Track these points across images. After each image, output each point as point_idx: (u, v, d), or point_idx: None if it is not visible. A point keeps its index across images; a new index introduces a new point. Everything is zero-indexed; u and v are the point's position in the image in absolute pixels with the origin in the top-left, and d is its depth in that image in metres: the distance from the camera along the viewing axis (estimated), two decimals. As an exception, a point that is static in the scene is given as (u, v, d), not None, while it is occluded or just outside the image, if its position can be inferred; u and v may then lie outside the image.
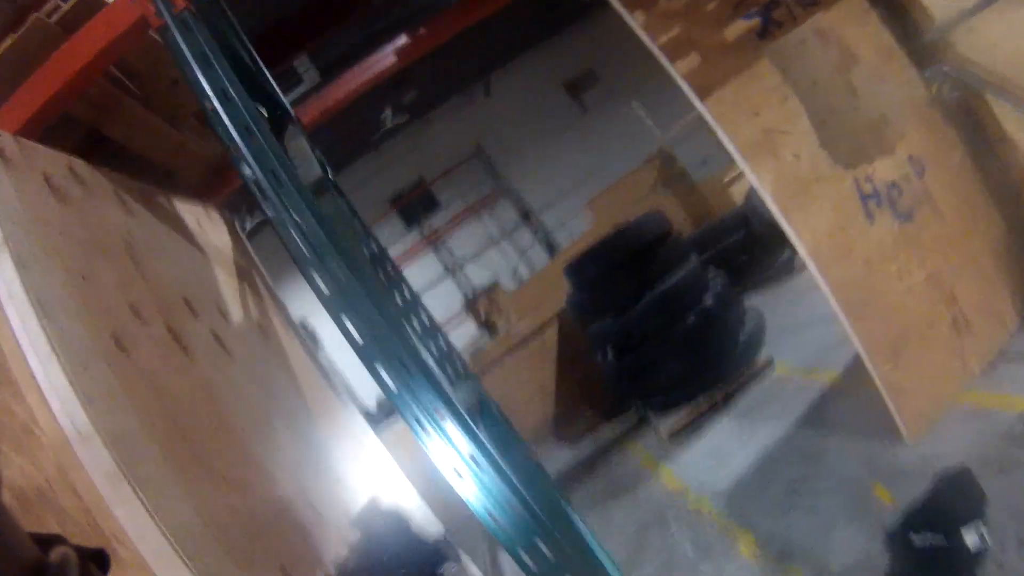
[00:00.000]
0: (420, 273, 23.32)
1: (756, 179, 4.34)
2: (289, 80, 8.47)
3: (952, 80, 4.73)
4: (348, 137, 18.87)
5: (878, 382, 4.16)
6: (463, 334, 22.68)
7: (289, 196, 2.44)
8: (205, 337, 3.16)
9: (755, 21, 4.53)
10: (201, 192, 4.62)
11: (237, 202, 5.88)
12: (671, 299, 6.99)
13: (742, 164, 4.40)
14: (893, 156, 4.47)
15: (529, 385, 9.86)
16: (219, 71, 2.59)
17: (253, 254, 4.93)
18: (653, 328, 6.98)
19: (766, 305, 7.79)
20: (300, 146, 3.00)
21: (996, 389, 4.20)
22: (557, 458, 8.77)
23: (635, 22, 4.42)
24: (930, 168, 4.55)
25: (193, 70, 2.59)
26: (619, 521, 6.08)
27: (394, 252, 23.30)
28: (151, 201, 3.67)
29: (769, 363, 6.78)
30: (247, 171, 2.49)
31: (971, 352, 4.38)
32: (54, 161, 2.88)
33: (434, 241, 23.37)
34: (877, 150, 4.45)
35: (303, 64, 8.81)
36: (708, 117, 4.42)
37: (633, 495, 6.36)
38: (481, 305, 22.34)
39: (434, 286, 23.40)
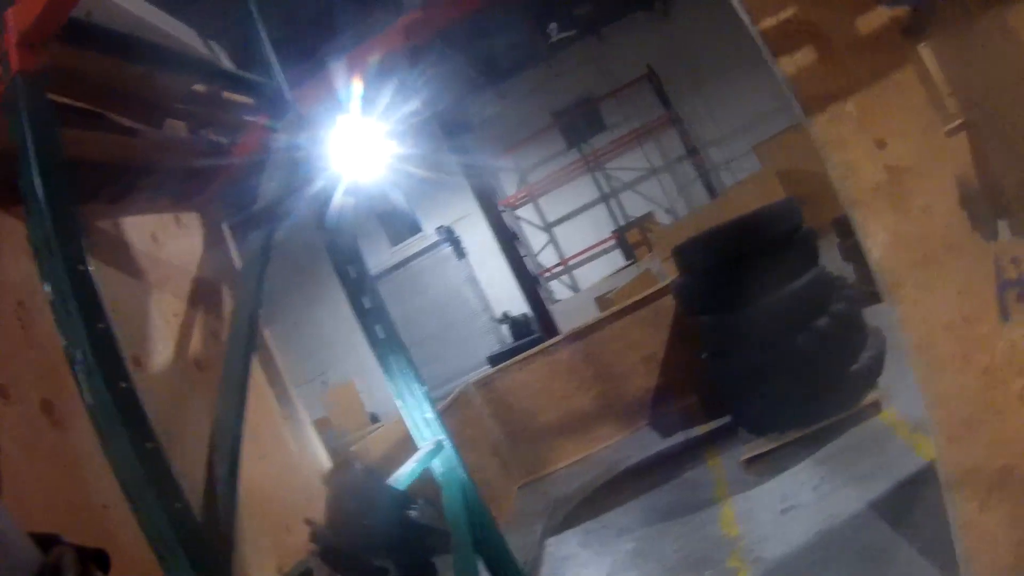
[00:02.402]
0: (575, 194, 22.92)
1: (863, 236, 3.31)
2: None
3: None
4: (515, 46, 18.37)
5: (953, 521, 3.22)
6: (608, 262, 22.23)
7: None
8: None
9: (902, 10, 3.32)
10: (181, 191, 4.17)
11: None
12: (787, 307, 6.01)
13: (849, 210, 3.37)
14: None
15: (638, 350, 9.17)
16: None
17: (234, 255, 4.42)
18: (761, 336, 6.10)
19: (893, 322, 6.62)
20: None
21: None
22: (645, 446, 8.23)
23: (733, -11, 3.40)
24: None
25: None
26: (663, 549, 5.49)
27: (551, 168, 22.94)
28: (87, 230, 3.29)
29: (876, 406, 5.72)
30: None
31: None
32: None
33: (593, 163, 22.66)
34: (1044, 218, 3.32)
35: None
36: (816, 138, 3.40)
37: (690, 524, 5.65)
38: (631, 235, 21.68)
39: (587, 209, 22.93)
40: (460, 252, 23.70)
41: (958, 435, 3.15)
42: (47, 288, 2.54)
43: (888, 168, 3.19)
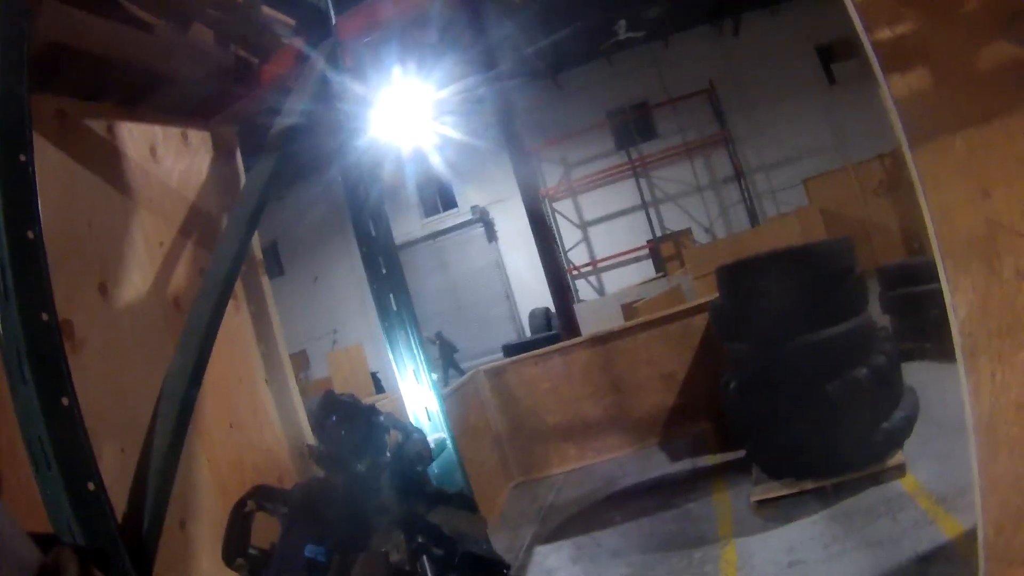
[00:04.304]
0: (615, 197, 22.63)
1: (950, 291, 3.01)
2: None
3: None
4: (579, 38, 18.02)
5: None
6: (637, 271, 21.92)
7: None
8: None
9: (1026, 51, 3.02)
10: (195, 107, 3.77)
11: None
12: (826, 351, 5.73)
13: (939, 258, 3.08)
14: None
15: (658, 366, 8.87)
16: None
17: (256, 188, 3.89)
18: (794, 376, 5.80)
19: (927, 386, 6.33)
20: None
21: None
22: (649, 466, 7.93)
23: (849, -4, 3.09)
24: None
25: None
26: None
27: (596, 167, 22.62)
28: (75, 127, 2.95)
29: (900, 469, 5.43)
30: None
31: None
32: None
33: (640, 168, 22.31)
34: None
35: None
36: (916, 170, 3.10)
37: (688, 560, 5.37)
38: (665, 247, 21.38)
39: (625, 214, 22.61)
40: (492, 235, 23.48)
41: (1008, 526, 2.86)
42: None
43: (988, 222, 2.91)
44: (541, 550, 6.49)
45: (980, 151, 2.97)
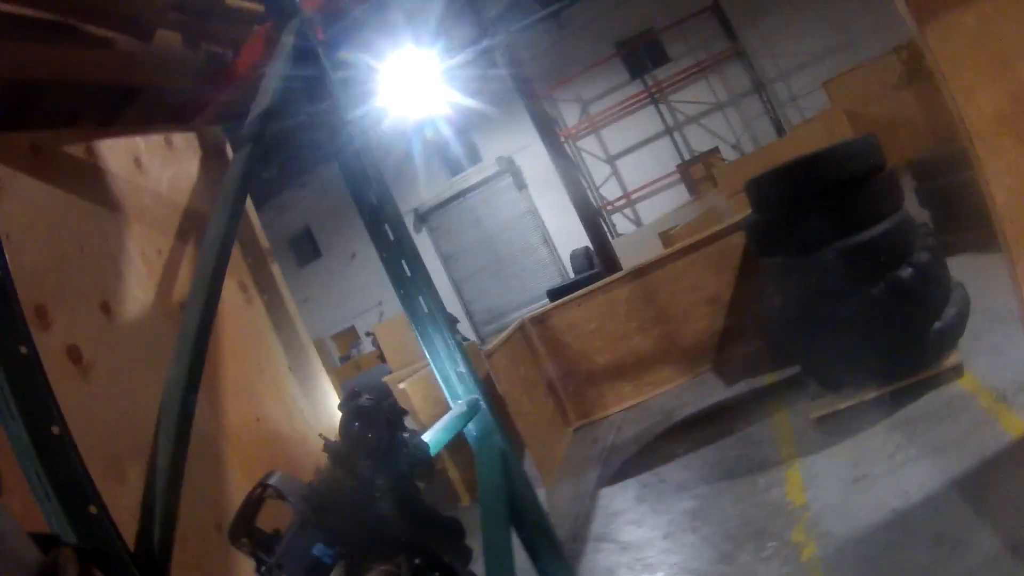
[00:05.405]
0: (637, 127, 22.25)
1: (985, 176, 2.85)
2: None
3: None
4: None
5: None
6: (671, 197, 21.61)
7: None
8: (52, 357, 2.39)
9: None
10: (175, 112, 3.68)
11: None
12: (867, 253, 5.51)
13: (967, 142, 2.91)
14: None
15: (702, 291, 8.73)
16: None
17: (235, 180, 3.43)
18: (837, 283, 5.61)
19: (974, 278, 6.08)
20: None
21: None
22: (706, 393, 7.84)
23: None
24: None
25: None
26: (723, 512, 5.16)
27: (613, 100, 22.20)
28: (52, 156, 2.88)
29: (957, 369, 5.25)
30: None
31: None
32: None
33: (657, 95, 21.84)
34: None
35: None
36: (930, 54, 2.93)
37: (753, 486, 5.31)
38: (696, 170, 21.04)
39: (651, 142, 22.21)
40: (520, 183, 23.26)
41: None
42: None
43: (1013, 96, 2.75)
44: (606, 492, 6.47)
45: (994, 22, 2.82)
